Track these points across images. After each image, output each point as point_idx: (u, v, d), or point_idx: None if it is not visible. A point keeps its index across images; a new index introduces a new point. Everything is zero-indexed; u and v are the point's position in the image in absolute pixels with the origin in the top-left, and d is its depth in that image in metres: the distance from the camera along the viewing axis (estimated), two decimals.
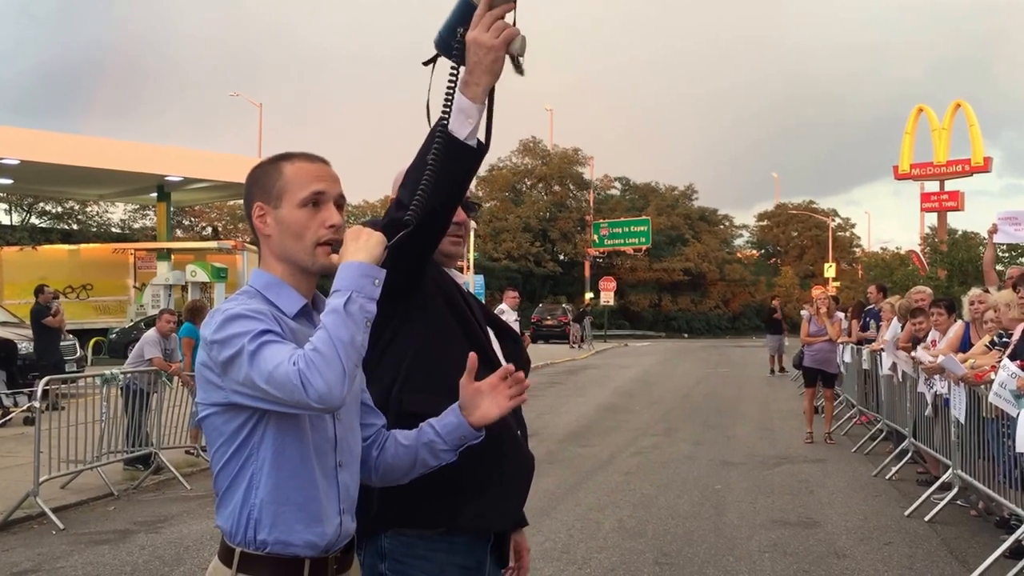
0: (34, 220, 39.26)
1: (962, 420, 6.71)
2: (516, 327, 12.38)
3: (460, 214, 2.34)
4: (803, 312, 12.44)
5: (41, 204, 39.43)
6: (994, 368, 5.94)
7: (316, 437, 1.88)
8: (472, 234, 34.48)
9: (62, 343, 14.48)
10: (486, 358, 2.23)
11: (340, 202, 1.94)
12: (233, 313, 1.77)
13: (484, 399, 2.00)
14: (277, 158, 1.96)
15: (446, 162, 1.99)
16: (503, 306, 12.55)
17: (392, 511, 2.14)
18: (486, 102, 2.02)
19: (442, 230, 2.14)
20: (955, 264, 25.97)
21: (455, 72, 1.99)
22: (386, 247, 1.84)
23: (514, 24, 2.00)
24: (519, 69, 2.04)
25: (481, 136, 2.05)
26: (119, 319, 27.54)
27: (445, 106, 1.99)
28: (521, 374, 2.02)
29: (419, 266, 2.15)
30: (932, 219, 38.96)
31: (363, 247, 1.82)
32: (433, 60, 2.05)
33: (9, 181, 28.63)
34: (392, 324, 2.18)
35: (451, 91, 1.98)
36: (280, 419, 1.82)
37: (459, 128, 2.00)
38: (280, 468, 1.83)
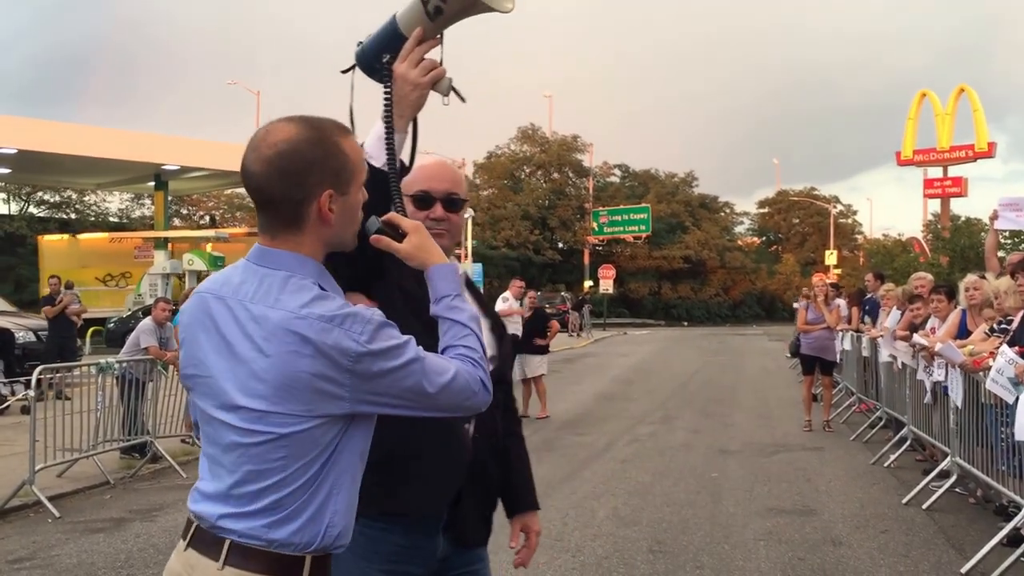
0: (32, 209, 39.15)
1: (959, 404, 6.69)
2: (520, 317, 12.35)
3: (438, 210, 2.44)
4: (795, 304, 12.35)
5: (39, 193, 39.34)
6: (992, 355, 5.91)
7: None
8: (470, 223, 34.44)
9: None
10: None
11: None
12: (381, 320, 1.67)
13: None
14: (327, 132, 1.74)
15: (368, 187, 2.06)
16: (508, 295, 12.49)
17: None
18: (409, 130, 2.12)
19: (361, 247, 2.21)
20: (957, 250, 25.92)
21: (389, 96, 2.06)
22: None
23: (440, 60, 2.09)
24: (460, 97, 2.14)
25: (404, 158, 2.15)
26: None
27: (388, 132, 2.06)
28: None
29: (367, 273, 2.18)
30: (935, 205, 38.91)
31: (439, 248, 1.88)
32: (351, 69, 2.14)
33: (7, 170, 28.57)
34: None
35: (388, 116, 2.05)
36: (364, 420, 1.75)
37: (379, 155, 2.07)
38: (356, 471, 1.77)
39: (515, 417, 2.73)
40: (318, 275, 1.74)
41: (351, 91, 2.15)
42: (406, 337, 1.70)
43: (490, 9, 1.97)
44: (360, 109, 2.13)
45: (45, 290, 25.62)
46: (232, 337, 1.68)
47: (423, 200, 2.45)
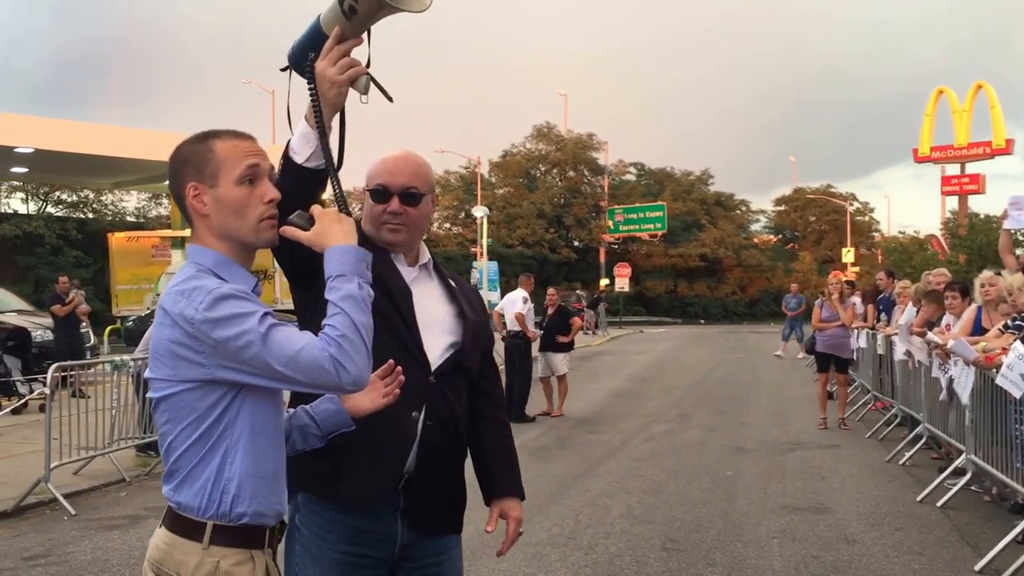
0: (50, 209, 39.43)
1: (964, 401, 6.65)
2: (531, 313, 12.36)
3: (394, 204, 2.44)
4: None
5: (57, 193, 39.62)
6: (1005, 351, 5.86)
7: (280, 410, 1.95)
8: (485, 221, 34.44)
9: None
10: (400, 343, 2.37)
11: (272, 175, 1.98)
12: (224, 292, 1.78)
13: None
14: (203, 136, 1.95)
15: (291, 182, 2.12)
16: (525, 293, 12.50)
17: (295, 476, 2.41)
18: (336, 126, 2.14)
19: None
20: (974, 248, 25.68)
21: (314, 94, 2.09)
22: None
23: (368, 59, 2.11)
24: (386, 95, 2.17)
25: (312, 158, 2.15)
26: None
27: (319, 124, 2.09)
28: (400, 371, 2.13)
29: (297, 255, 2.21)
30: (953, 203, 38.67)
31: (349, 231, 1.91)
32: (288, 69, 2.19)
33: (24, 169, 28.79)
34: (306, 314, 2.34)
35: (317, 113, 2.09)
36: (258, 393, 1.85)
37: (301, 150, 2.13)
38: (257, 441, 1.87)
39: (493, 401, 2.69)
40: (216, 264, 1.90)
41: (288, 89, 2.19)
42: (253, 309, 1.78)
43: (399, 10, 1.97)
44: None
45: (118, 288, 26.04)
46: None
47: (380, 194, 2.45)
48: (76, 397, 8.04)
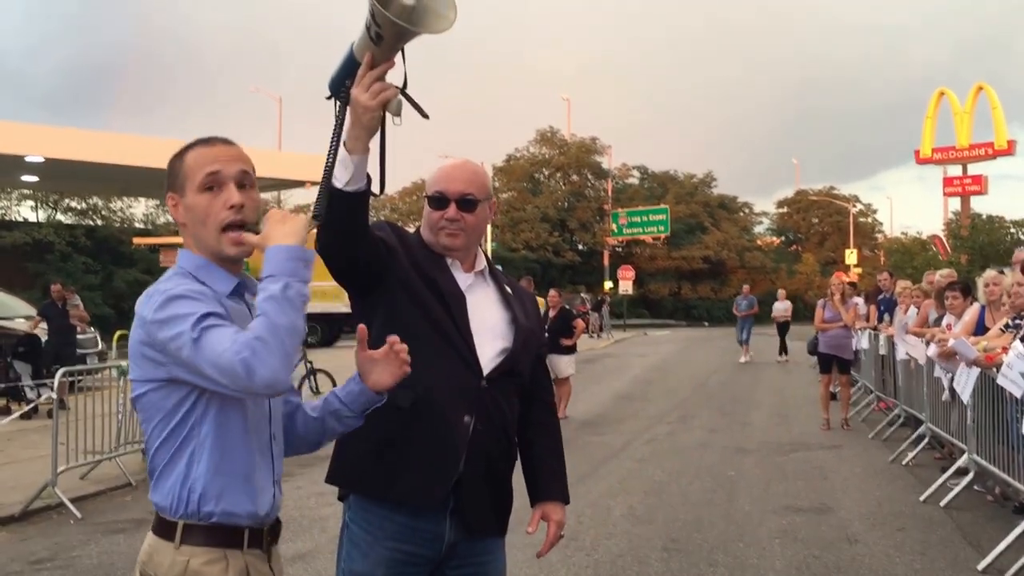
0: (59, 216, 39.56)
1: (965, 401, 6.67)
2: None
3: (452, 210, 2.49)
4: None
5: (66, 201, 39.71)
6: (1006, 350, 5.88)
7: (255, 411, 1.94)
8: (489, 226, 34.57)
9: (81, 336, 14.71)
10: (453, 348, 2.44)
11: (244, 180, 1.96)
12: (174, 293, 1.81)
13: (377, 367, 2.08)
14: (184, 148, 1.99)
15: (329, 206, 2.17)
16: None
17: (348, 479, 2.51)
18: (370, 150, 2.19)
19: (349, 258, 2.34)
20: (976, 248, 25.66)
21: (340, 119, 2.16)
22: (312, 228, 2.00)
23: (404, 79, 2.15)
24: (421, 113, 2.21)
25: (362, 183, 2.22)
26: (334, 304, 26.73)
27: (330, 152, 2.16)
28: (403, 348, 2.09)
29: (353, 269, 2.38)
30: (956, 204, 38.64)
31: (290, 230, 1.88)
32: (332, 98, 2.24)
33: (35, 178, 28.86)
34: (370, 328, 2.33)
35: (336, 136, 2.15)
36: (220, 396, 1.85)
37: (341, 175, 2.19)
38: (224, 442, 1.87)
39: (545, 408, 2.74)
40: (196, 267, 1.94)
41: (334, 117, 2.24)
42: (191, 311, 1.78)
43: (419, 33, 2.00)
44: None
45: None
46: None
47: (438, 201, 2.51)
48: (59, 408, 8.00)
